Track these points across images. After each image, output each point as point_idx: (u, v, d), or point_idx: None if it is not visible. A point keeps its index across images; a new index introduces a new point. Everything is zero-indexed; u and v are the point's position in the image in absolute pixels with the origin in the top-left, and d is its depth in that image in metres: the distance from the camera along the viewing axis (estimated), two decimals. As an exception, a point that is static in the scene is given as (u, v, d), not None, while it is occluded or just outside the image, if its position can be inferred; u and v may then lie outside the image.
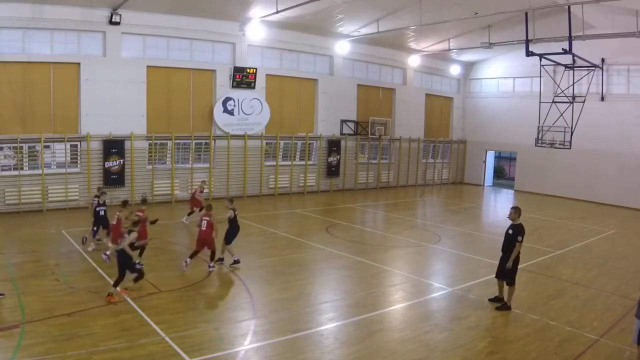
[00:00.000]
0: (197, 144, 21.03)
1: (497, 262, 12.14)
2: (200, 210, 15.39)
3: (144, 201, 12.41)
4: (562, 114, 21.19)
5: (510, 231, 9.26)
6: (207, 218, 10.97)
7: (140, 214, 10.96)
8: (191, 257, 10.97)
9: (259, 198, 22.23)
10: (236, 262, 11.49)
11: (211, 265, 11.16)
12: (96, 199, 12.76)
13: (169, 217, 17.64)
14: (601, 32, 20.61)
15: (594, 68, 22.34)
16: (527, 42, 19.36)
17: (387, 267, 12.17)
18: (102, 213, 12.43)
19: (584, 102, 21.39)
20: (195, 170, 20.77)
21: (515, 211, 9.35)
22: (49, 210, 17.26)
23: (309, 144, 24.62)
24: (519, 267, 9.42)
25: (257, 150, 22.59)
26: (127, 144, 18.81)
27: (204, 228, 10.88)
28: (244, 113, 21.82)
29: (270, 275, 11.09)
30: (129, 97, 18.77)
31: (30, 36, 16.80)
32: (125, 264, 9.00)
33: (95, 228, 12.45)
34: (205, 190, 18.22)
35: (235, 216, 11.66)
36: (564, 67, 22.30)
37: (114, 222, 11.37)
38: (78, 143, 18.13)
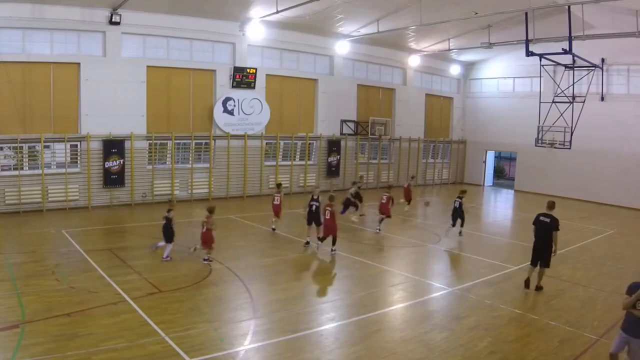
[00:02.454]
0: (197, 144, 21.03)
1: (497, 262, 12.17)
2: (409, 202, 20.04)
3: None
4: (562, 114, 21.19)
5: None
6: (330, 208, 12.52)
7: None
8: (321, 240, 12.81)
9: (259, 198, 22.21)
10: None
11: (333, 249, 12.80)
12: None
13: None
14: (601, 32, 20.60)
15: (594, 68, 22.34)
16: (527, 42, 19.36)
17: (387, 267, 12.16)
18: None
19: (584, 102, 21.40)
20: (195, 170, 20.78)
21: (547, 203, 10.86)
22: (49, 210, 17.25)
23: (309, 144, 24.63)
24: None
25: (257, 150, 22.59)
26: (127, 144, 18.81)
27: (327, 217, 12.46)
28: (244, 113, 21.82)
29: (270, 275, 11.08)
30: (129, 97, 18.76)
31: (30, 36, 16.79)
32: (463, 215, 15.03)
33: (343, 208, 16.96)
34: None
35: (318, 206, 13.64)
36: (564, 67, 22.31)
37: (384, 201, 15.84)
38: (78, 143, 18.13)
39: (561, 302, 10.00)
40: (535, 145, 22.50)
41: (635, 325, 6.12)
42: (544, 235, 10.26)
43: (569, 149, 21.55)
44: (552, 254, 10.26)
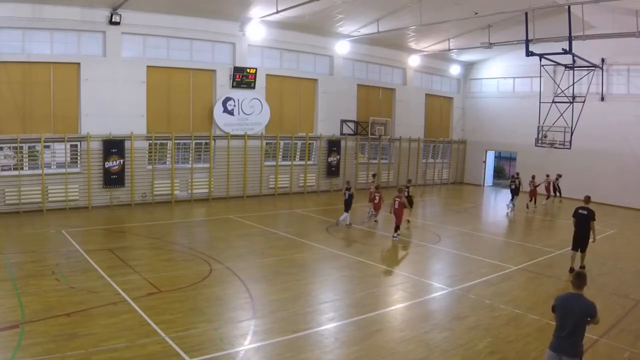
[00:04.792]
0: (197, 144, 21.02)
1: (496, 262, 12.20)
2: (534, 201, 22.28)
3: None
4: (562, 114, 21.19)
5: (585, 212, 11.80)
6: (398, 199, 14.56)
7: None
8: (396, 230, 14.66)
9: (259, 198, 22.24)
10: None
11: (395, 235, 14.66)
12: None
13: (169, 217, 17.67)
14: (601, 32, 20.60)
15: (594, 68, 22.33)
16: (527, 42, 19.35)
17: (387, 267, 12.17)
18: (513, 187, 21.63)
19: (584, 102, 21.38)
20: (195, 170, 20.77)
21: (584, 198, 12.38)
22: (49, 210, 17.25)
23: (309, 144, 24.63)
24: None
25: (257, 150, 22.59)
26: (127, 144, 18.80)
27: (396, 207, 14.54)
28: (244, 113, 21.82)
29: (270, 275, 11.08)
30: (129, 97, 18.76)
31: (30, 36, 16.79)
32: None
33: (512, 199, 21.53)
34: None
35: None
36: (564, 67, 22.29)
37: (532, 187, 21.62)
38: (78, 143, 18.12)
39: (561, 302, 9.97)
40: (535, 145, 22.48)
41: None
42: (583, 226, 11.79)
43: (569, 149, 21.54)
44: (592, 241, 11.87)
